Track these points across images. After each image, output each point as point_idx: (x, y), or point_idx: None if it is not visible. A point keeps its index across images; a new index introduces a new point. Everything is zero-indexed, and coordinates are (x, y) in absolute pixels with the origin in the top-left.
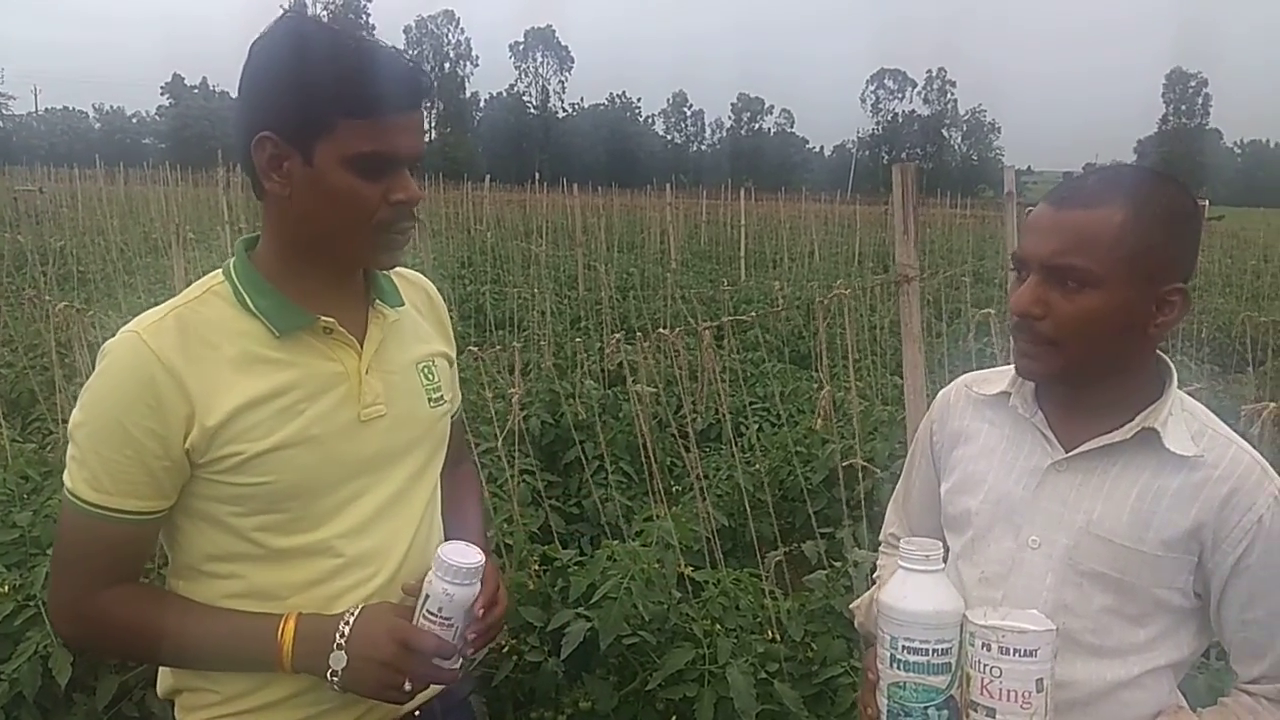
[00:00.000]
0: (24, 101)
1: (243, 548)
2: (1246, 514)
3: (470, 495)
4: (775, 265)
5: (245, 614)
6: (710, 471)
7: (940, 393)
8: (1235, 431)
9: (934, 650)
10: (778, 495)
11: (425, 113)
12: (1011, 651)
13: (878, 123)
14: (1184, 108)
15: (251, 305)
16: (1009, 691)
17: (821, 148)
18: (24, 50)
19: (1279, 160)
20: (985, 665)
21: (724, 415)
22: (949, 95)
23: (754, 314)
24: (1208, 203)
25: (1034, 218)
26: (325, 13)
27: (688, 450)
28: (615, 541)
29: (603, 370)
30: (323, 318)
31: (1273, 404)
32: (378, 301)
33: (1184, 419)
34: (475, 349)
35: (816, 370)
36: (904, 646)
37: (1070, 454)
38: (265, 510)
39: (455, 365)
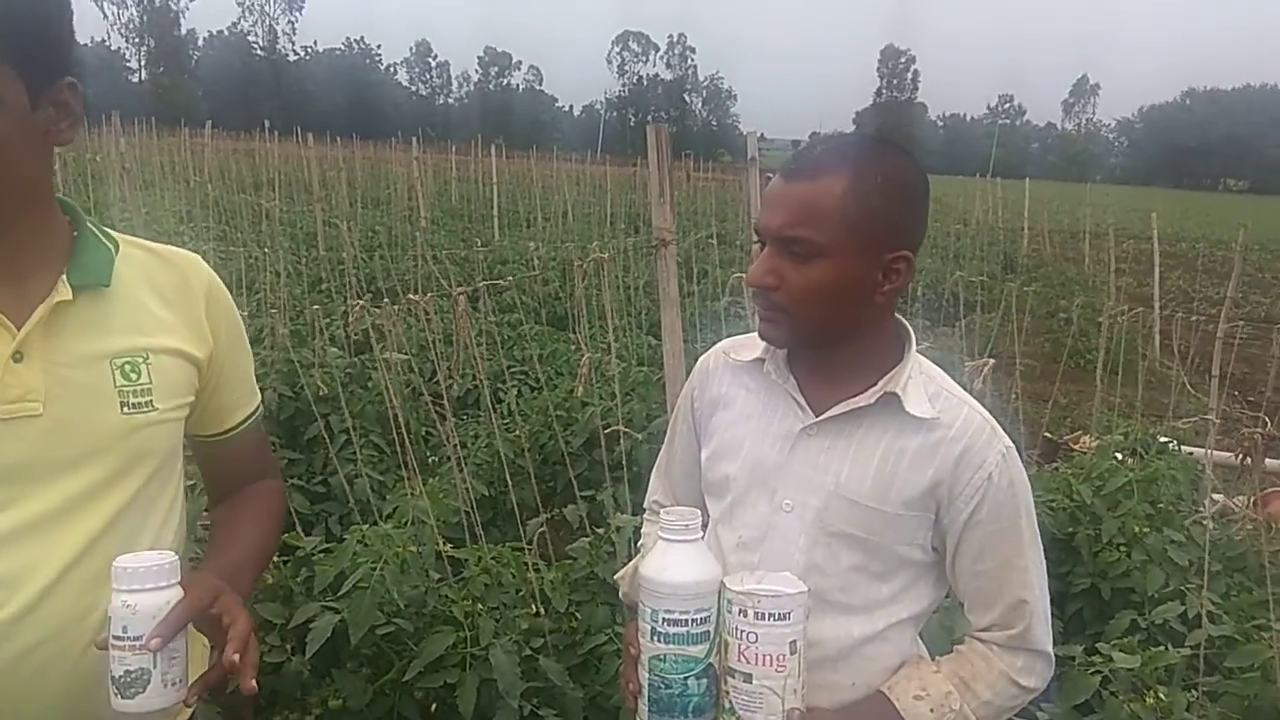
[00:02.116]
0: None
1: None
2: (978, 471)
3: (247, 518)
4: (529, 225)
5: None
6: (469, 440)
7: (700, 359)
8: (963, 389)
9: (693, 620)
10: (538, 461)
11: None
12: (766, 616)
13: (624, 84)
14: (895, 82)
15: None
16: (765, 655)
17: (571, 107)
18: None
19: (975, 132)
20: (742, 631)
21: (481, 381)
22: (689, 61)
23: (510, 277)
24: None
25: (768, 191)
26: None
27: (444, 419)
28: (366, 524)
29: (347, 337)
30: None
31: (992, 360)
32: (64, 277)
33: (922, 381)
34: None
35: (574, 332)
36: (664, 619)
37: (819, 418)
38: None
39: (218, 367)
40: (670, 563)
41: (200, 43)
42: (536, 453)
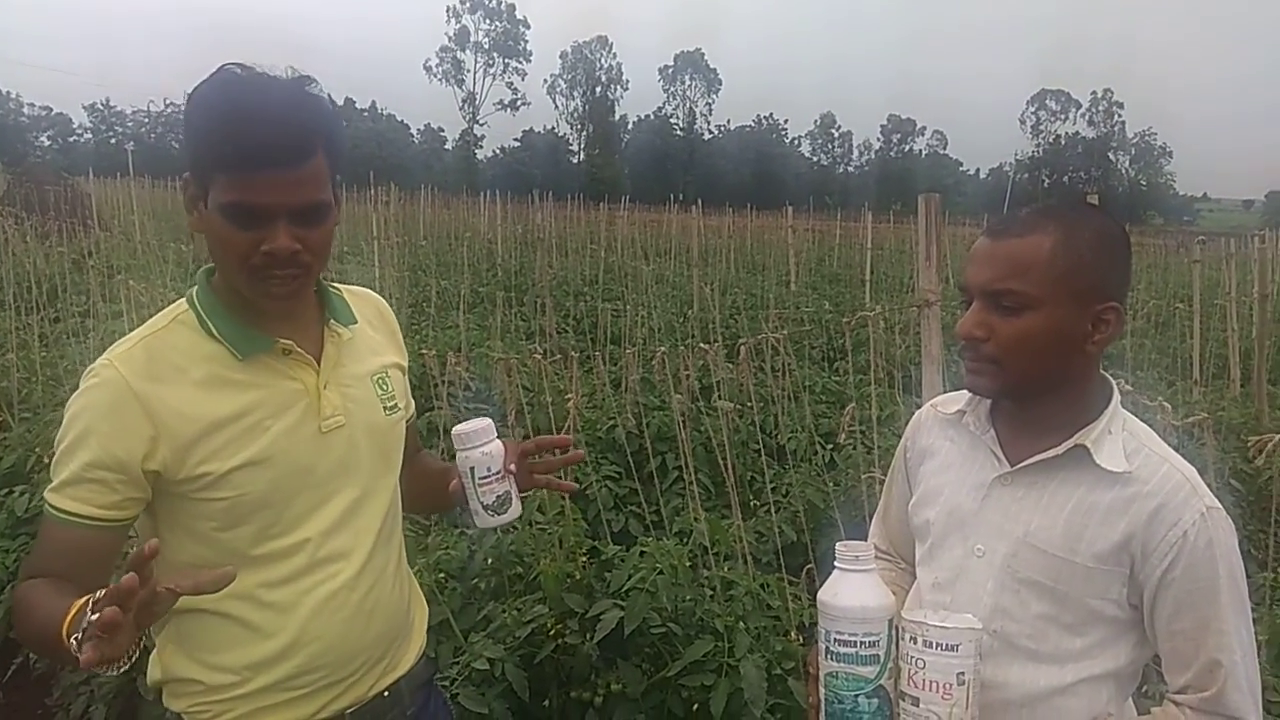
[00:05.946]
0: None
1: (224, 558)
2: (1172, 529)
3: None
4: (908, 290)
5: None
6: (788, 488)
7: (915, 413)
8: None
9: (862, 643)
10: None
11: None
12: (934, 645)
13: (1038, 145)
14: None
15: (215, 331)
16: (931, 682)
17: (977, 170)
18: None
19: None
20: (912, 657)
21: (812, 433)
22: (1116, 117)
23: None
24: None
25: (974, 250)
26: (485, 38)
27: (770, 468)
28: (650, 539)
29: (700, 385)
30: (281, 340)
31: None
32: (332, 321)
33: (1122, 438)
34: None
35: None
36: (835, 639)
37: (1014, 469)
38: (240, 523)
39: (406, 373)
40: (841, 588)
41: (630, 126)
42: (852, 507)
